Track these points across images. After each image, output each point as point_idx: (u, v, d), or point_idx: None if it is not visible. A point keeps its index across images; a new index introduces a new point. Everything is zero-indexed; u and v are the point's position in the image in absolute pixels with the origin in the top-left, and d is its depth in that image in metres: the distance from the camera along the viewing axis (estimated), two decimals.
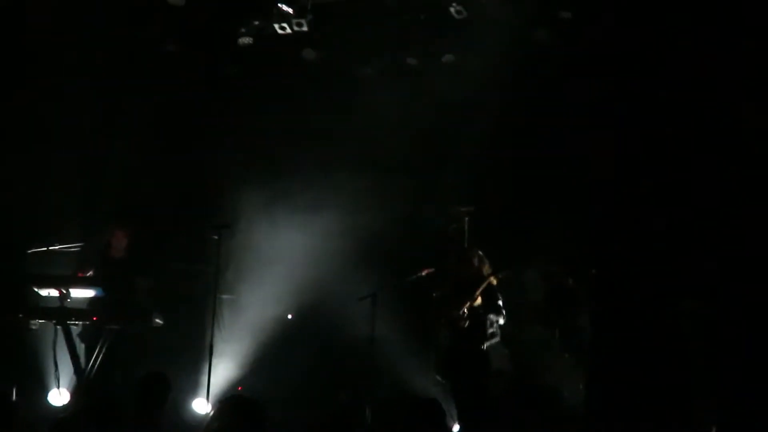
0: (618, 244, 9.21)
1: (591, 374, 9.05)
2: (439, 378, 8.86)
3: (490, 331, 8.41)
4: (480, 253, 8.63)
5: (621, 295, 9.15)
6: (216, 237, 8.84)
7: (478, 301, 8.40)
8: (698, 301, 8.76)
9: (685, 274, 8.89)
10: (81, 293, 8.29)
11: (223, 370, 9.24)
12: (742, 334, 8.26)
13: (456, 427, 8.41)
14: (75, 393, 8.25)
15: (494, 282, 8.50)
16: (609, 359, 8.96)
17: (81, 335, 8.53)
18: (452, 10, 9.51)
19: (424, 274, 8.91)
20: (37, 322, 8.24)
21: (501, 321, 8.45)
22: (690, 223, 8.87)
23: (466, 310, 8.36)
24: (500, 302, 8.45)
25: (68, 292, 8.09)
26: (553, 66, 9.73)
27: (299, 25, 9.81)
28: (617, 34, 9.32)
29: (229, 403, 5.47)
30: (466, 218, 9.68)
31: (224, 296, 9.71)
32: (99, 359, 8.30)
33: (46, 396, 8.70)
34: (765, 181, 8.56)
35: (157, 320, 8.55)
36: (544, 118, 9.77)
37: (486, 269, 8.53)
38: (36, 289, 8.19)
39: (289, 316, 9.98)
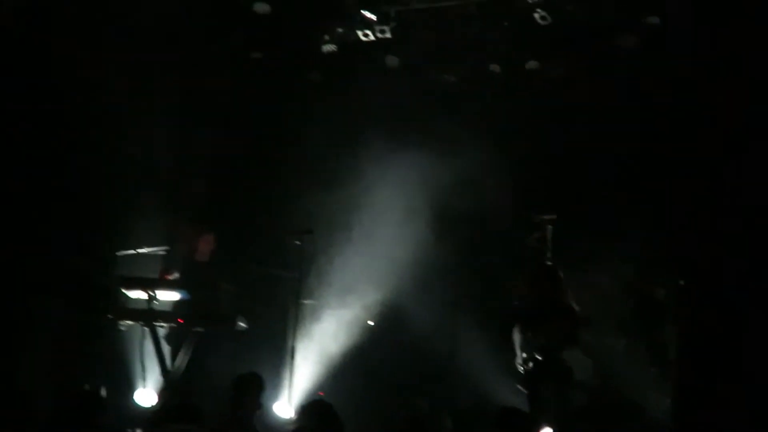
0: (707, 252, 8.94)
1: (677, 389, 8.81)
2: (520, 387, 8.72)
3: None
4: (560, 275, 8.27)
5: (711, 306, 8.88)
6: (298, 243, 8.89)
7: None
8: None
9: None
10: (167, 296, 8.43)
11: (304, 375, 9.31)
12: None
13: None
14: (161, 393, 8.40)
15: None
16: (697, 374, 8.70)
17: (167, 337, 8.67)
18: (536, 16, 9.41)
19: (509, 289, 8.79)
20: (126, 323, 8.37)
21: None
22: None
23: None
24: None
25: (155, 295, 8.23)
26: (638, 71, 9.54)
27: (382, 32, 9.86)
28: (706, 39, 9.05)
29: (309, 406, 5.55)
30: (549, 227, 9.51)
31: (306, 301, 9.78)
32: (184, 361, 8.44)
33: (133, 395, 8.91)
34: None
35: (241, 324, 8.62)
36: (627, 123, 9.57)
37: (569, 298, 8.18)
38: (124, 291, 8.34)
39: (371, 322, 10.00)
